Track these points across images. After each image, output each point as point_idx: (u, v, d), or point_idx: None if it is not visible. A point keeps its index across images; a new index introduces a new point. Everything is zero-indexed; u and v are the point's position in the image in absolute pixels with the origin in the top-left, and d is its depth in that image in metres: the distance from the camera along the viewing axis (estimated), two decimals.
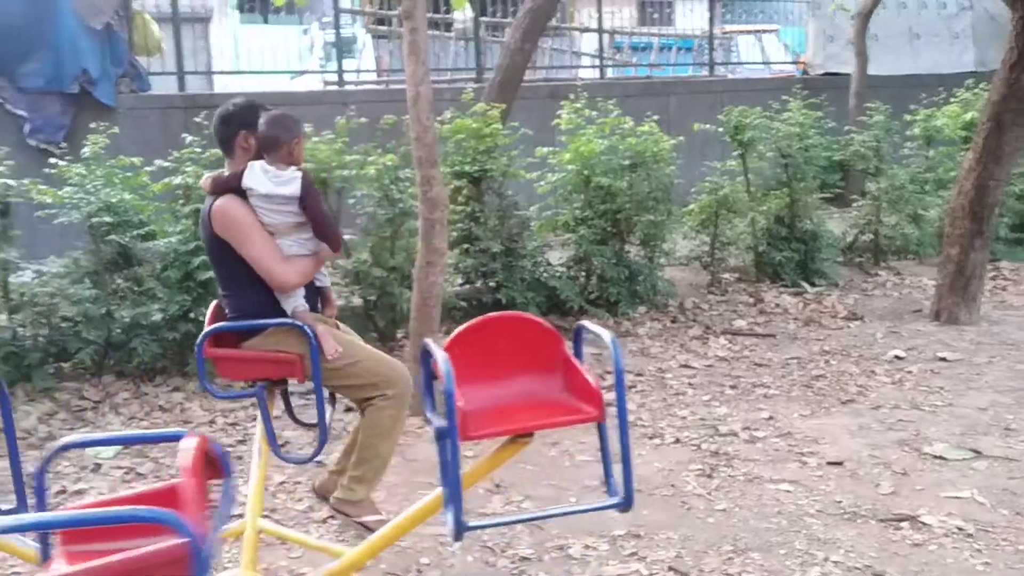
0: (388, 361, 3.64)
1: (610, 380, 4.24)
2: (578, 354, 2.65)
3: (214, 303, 3.66)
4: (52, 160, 5.81)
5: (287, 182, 3.38)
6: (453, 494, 2.39)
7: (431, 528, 3.71)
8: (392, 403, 3.55)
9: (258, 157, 3.44)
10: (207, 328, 3.45)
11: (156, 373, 5.64)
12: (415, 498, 4.10)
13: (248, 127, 3.48)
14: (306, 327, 3.36)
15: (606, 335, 2.54)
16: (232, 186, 3.40)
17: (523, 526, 3.82)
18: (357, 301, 6.43)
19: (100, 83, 8.44)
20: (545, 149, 7.08)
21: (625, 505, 2.50)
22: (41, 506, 2.17)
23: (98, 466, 4.57)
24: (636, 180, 6.93)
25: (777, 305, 7.45)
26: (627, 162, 6.94)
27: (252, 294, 3.46)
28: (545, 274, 6.79)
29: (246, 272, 3.44)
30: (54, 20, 8.32)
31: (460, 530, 2.37)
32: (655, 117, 7.43)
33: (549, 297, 6.71)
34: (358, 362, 3.52)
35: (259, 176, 3.38)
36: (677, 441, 4.77)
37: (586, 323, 2.67)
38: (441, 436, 2.44)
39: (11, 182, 5.47)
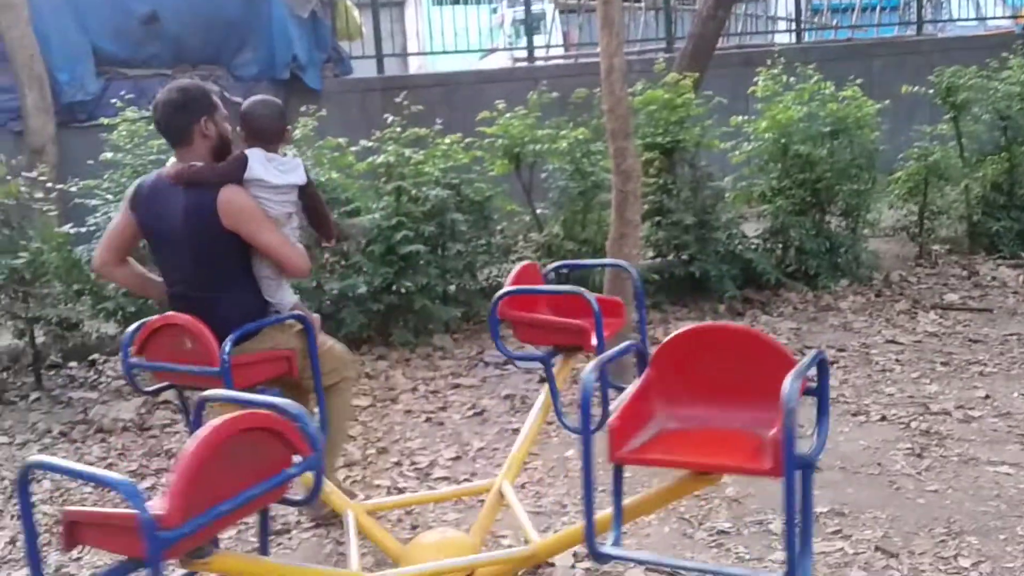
0: (338, 343, 3.68)
1: None
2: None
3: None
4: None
5: (293, 170, 3.23)
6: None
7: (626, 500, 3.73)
8: (352, 383, 3.72)
9: (222, 145, 3.22)
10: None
11: (362, 342, 5.94)
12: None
13: (207, 113, 3.19)
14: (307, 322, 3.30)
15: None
16: (236, 177, 3.12)
17: (720, 500, 3.78)
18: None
19: (308, 69, 8.93)
20: (740, 118, 6.89)
21: None
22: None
23: None
24: (837, 148, 6.63)
25: (994, 278, 6.95)
26: (827, 129, 6.65)
27: (241, 293, 3.23)
28: (740, 246, 6.63)
29: (240, 269, 3.22)
30: (266, 11, 8.86)
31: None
32: (858, 81, 7.07)
33: (744, 270, 6.55)
34: (329, 348, 3.52)
35: (266, 166, 3.15)
36: (883, 419, 4.56)
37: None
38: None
39: None
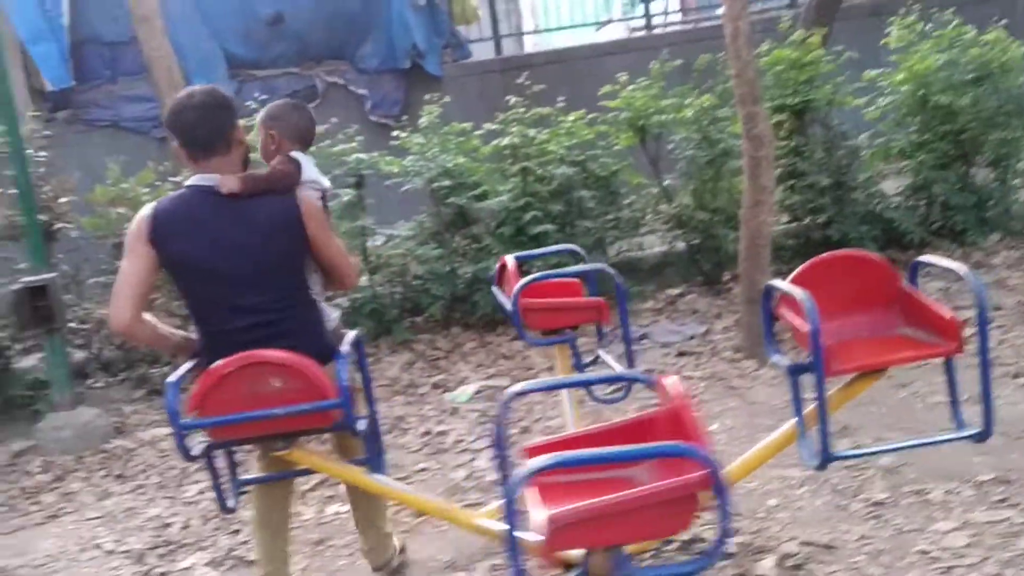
0: None
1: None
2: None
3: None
4: (394, 133, 6.34)
5: (322, 175, 3.02)
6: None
7: (778, 470, 3.67)
8: None
9: (244, 153, 2.88)
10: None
11: (497, 324, 6.02)
12: (758, 440, 4.09)
13: (236, 118, 2.85)
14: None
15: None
16: (297, 180, 2.85)
17: (875, 470, 3.66)
18: (681, 246, 6.44)
19: (427, 56, 9.04)
20: (873, 72, 6.59)
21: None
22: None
23: (455, 410, 4.99)
24: (982, 95, 6.27)
25: None
26: (970, 76, 6.29)
27: (309, 313, 2.88)
28: (880, 206, 6.37)
29: (306, 286, 2.88)
30: (384, 2, 9.02)
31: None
32: (1002, 22, 6.65)
33: (885, 230, 6.29)
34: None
35: (314, 168, 2.95)
36: None
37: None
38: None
39: (363, 156, 6.03)
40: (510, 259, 3.67)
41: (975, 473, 3.52)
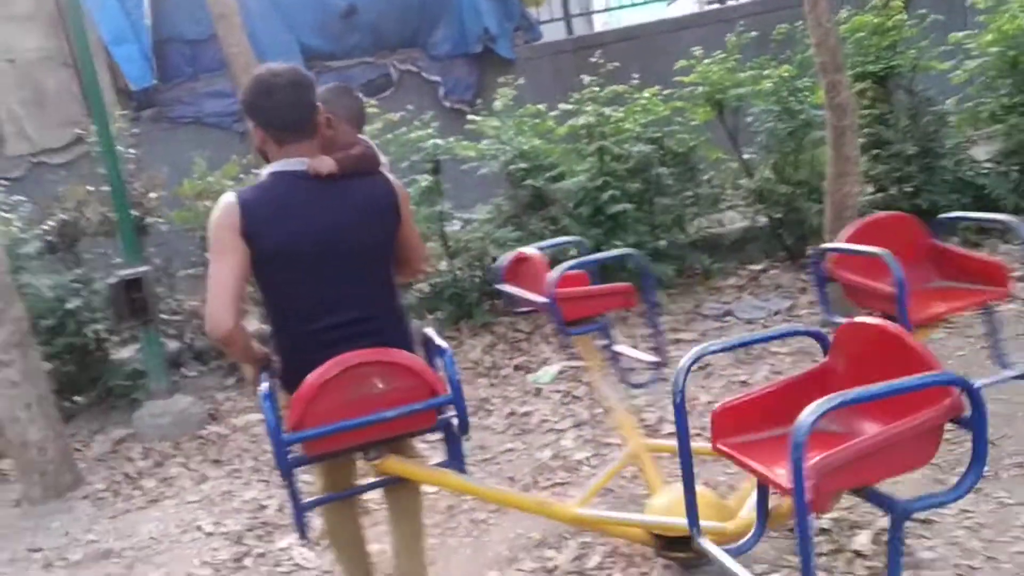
0: None
1: None
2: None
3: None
4: (469, 117, 6.36)
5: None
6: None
7: None
8: None
9: (320, 138, 2.69)
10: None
11: None
12: None
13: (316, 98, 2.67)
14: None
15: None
16: (379, 163, 2.74)
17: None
18: (762, 221, 6.34)
19: (499, 39, 9.03)
20: (960, 34, 6.36)
21: None
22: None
23: (539, 391, 5.01)
24: None
25: None
26: None
27: (397, 306, 2.72)
28: (970, 172, 6.15)
29: (392, 274, 2.72)
30: None
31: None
32: None
33: (976, 198, 6.07)
34: None
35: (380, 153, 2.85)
36: None
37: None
38: None
39: (439, 141, 6.07)
40: (531, 250, 3.50)
41: None
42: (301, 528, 2.66)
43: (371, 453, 2.63)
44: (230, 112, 8.71)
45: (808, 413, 1.71)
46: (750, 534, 2.21)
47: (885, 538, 3.04)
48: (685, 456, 2.07)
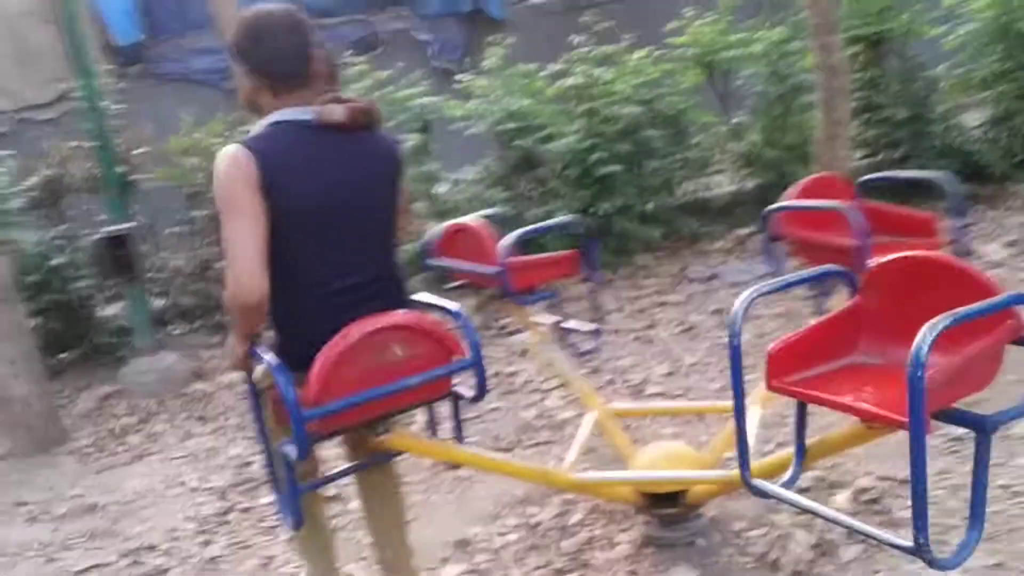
0: None
1: None
2: None
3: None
4: (457, 77, 6.31)
5: None
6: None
7: None
8: None
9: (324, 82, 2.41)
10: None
11: None
12: None
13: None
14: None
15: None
16: (381, 118, 2.47)
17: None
18: (750, 185, 6.33)
19: None
20: None
21: None
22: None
23: (524, 351, 5.02)
24: None
25: None
26: None
27: (397, 264, 2.50)
28: (959, 139, 6.16)
29: (395, 234, 2.52)
30: None
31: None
32: None
33: (966, 164, 6.08)
34: None
35: None
36: None
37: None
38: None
39: (428, 101, 6.02)
40: (470, 219, 3.29)
41: None
42: (298, 515, 2.36)
43: (379, 427, 2.45)
44: (218, 69, 8.62)
45: (925, 333, 1.64)
46: (791, 470, 2.18)
47: (864, 497, 3.08)
48: (739, 400, 2.02)
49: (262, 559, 3.40)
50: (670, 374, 4.41)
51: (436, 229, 3.39)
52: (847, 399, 1.90)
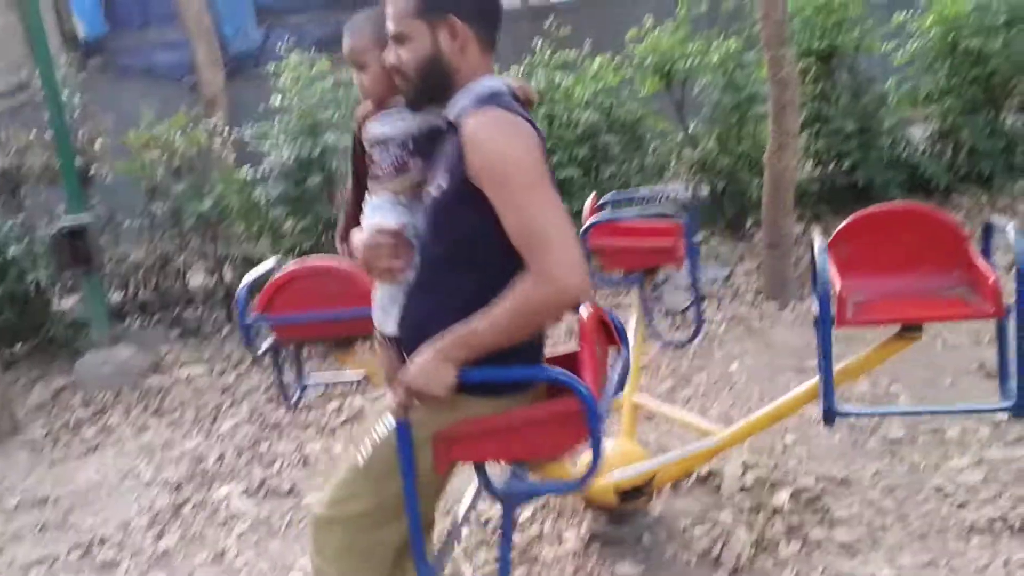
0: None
1: None
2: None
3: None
4: None
5: None
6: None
7: None
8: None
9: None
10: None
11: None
12: (777, 380, 4.18)
13: None
14: None
15: (1005, 224, 2.37)
16: None
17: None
18: (704, 191, 6.47)
19: None
20: (902, 15, 6.53)
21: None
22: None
23: None
24: (1013, 38, 6.19)
25: None
26: (1002, 20, 6.22)
27: None
28: (906, 151, 6.36)
29: None
30: None
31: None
32: None
33: (911, 176, 6.28)
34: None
35: None
36: None
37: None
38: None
39: None
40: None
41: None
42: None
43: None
44: (180, 63, 8.61)
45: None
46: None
47: (805, 496, 3.20)
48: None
49: (214, 553, 3.44)
50: None
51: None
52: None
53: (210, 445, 4.39)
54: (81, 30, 8.46)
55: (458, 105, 1.92)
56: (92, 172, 5.93)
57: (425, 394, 1.83)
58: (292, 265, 2.90)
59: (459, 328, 1.83)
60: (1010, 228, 2.33)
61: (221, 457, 4.22)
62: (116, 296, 6.17)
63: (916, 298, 2.45)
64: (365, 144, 2.13)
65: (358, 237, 2.09)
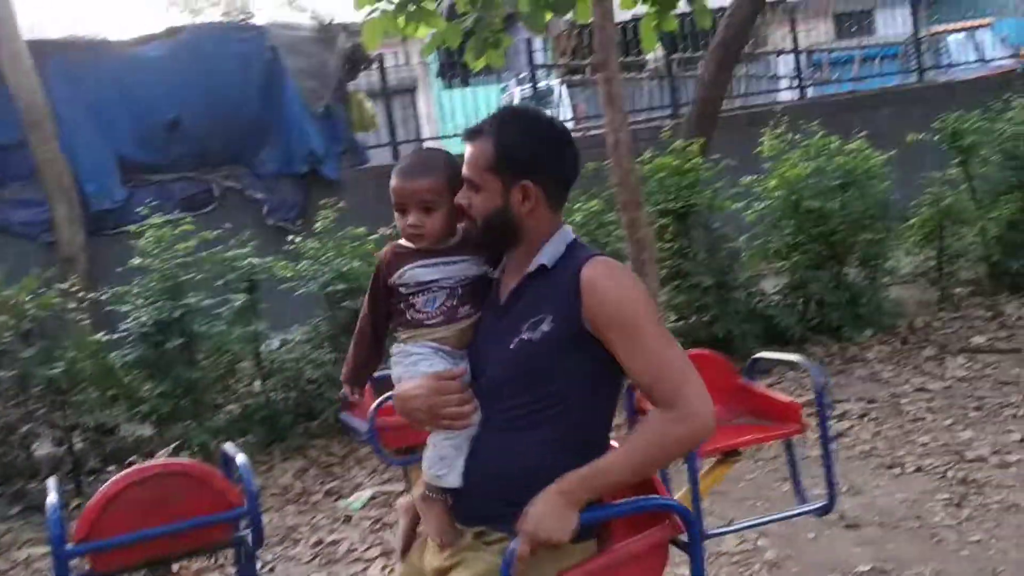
0: None
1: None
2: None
3: None
4: (289, 237, 6.37)
5: None
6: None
7: None
8: None
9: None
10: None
11: None
12: None
13: None
14: None
15: (794, 356, 3.02)
16: None
17: (760, 565, 3.76)
18: None
19: (325, 161, 9.17)
20: (749, 178, 6.99)
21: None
22: None
23: (349, 518, 4.91)
24: (849, 200, 6.71)
25: (1020, 318, 6.92)
26: (837, 182, 6.74)
27: None
28: (760, 304, 6.68)
29: None
30: (282, 110, 9.16)
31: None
32: (864, 132, 7.17)
33: (767, 327, 6.58)
34: None
35: None
36: (919, 470, 4.52)
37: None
38: None
39: (256, 261, 6.02)
40: None
41: (854, 564, 3.64)
42: None
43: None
44: (38, 221, 8.36)
45: None
46: None
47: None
48: None
49: None
50: None
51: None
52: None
53: None
54: None
55: (548, 252, 1.96)
56: None
57: (551, 542, 1.79)
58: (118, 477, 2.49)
59: (583, 471, 1.82)
60: (793, 356, 3.07)
61: None
62: None
63: (723, 430, 2.77)
64: (401, 288, 2.05)
65: (405, 387, 1.99)
